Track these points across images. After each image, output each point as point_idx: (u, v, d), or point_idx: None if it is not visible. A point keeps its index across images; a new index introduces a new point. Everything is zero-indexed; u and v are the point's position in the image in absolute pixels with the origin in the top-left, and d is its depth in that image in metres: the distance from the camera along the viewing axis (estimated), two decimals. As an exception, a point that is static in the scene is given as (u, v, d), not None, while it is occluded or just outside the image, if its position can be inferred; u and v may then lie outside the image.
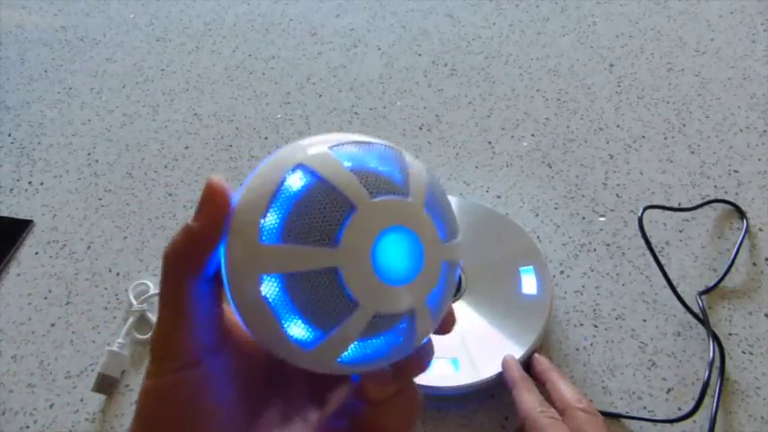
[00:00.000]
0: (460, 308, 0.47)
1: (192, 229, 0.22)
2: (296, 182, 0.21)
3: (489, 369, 0.43)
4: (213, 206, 0.22)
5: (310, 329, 0.21)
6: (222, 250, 0.22)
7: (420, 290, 0.22)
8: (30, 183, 0.62)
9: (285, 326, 0.21)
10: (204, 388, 0.23)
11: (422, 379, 0.44)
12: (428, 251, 0.22)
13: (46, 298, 0.53)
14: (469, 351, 0.44)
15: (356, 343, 0.22)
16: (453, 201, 0.53)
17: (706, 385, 0.43)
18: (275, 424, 0.25)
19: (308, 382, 0.27)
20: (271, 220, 0.21)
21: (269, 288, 0.21)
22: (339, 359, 0.22)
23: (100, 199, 0.60)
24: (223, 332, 0.24)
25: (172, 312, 0.23)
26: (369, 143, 0.23)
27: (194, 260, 0.22)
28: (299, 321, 0.21)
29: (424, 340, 0.24)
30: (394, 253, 0.21)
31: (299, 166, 0.21)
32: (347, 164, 0.21)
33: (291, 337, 0.22)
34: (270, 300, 0.21)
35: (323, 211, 0.21)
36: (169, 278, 0.23)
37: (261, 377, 0.26)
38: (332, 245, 0.20)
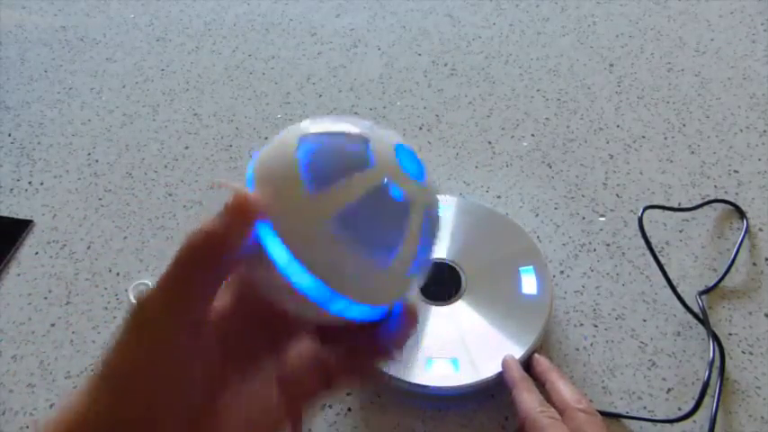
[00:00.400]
0: (461, 308, 0.47)
1: (216, 231, 0.23)
2: (310, 143, 0.25)
3: (489, 369, 0.43)
4: (239, 215, 0.23)
5: (383, 249, 0.24)
6: (264, 228, 0.24)
7: (431, 188, 0.26)
8: (30, 183, 0.62)
9: (365, 253, 0.24)
10: (181, 355, 0.24)
11: (422, 379, 0.44)
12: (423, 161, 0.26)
13: (46, 298, 0.53)
14: (469, 351, 0.44)
15: (419, 249, 0.25)
16: (453, 200, 0.53)
17: (706, 385, 0.43)
18: (237, 383, 0.26)
19: (272, 340, 0.28)
20: (308, 174, 0.23)
21: (337, 226, 0.23)
22: (411, 269, 0.25)
23: (100, 199, 0.60)
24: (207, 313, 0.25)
25: (174, 297, 0.24)
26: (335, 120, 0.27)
27: (213, 261, 0.24)
28: (371, 244, 0.24)
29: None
30: (409, 158, 0.25)
31: (304, 137, 0.25)
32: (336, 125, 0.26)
33: (372, 258, 0.24)
34: (343, 236, 0.23)
35: (349, 148, 0.24)
36: (182, 271, 0.24)
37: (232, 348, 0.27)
38: (370, 166, 0.24)
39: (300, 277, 0.23)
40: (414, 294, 0.27)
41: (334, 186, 0.23)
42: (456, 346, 0.44)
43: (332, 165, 0.24)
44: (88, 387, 0.25)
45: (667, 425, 0.43)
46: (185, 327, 0.24)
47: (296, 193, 0.23)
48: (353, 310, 0.25)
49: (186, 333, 0.24)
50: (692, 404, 0.43)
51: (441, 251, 0.50)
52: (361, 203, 0.23)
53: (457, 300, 0.47)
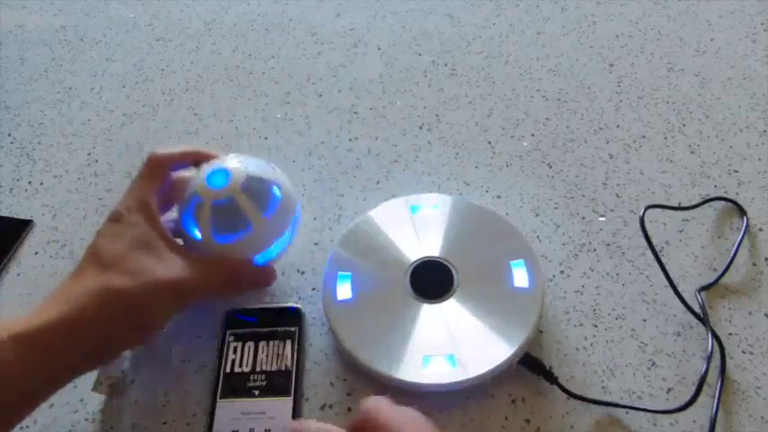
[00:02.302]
0: (453, 305, 0.47)
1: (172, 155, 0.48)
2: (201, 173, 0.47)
3: (487, 363, 0.43)
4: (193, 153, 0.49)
5: (198, 229, 0.46)
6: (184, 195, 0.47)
7: (233, 187, 0.45)
8: (30, 183, 0.62)
9: (188, 232, 0.46)
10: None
11: (422, 378, 0.44)
12: (235, 173, 0.45)
13: (46, 298, 0.53)
14: (465, 347, 0.44)
15: (217, 231, 0.45)
16: (446, 199, 0.54)
17: (704, 378, 0.43)
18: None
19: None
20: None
21: (183, 218, 0.46)
22: (215, 240, 0.45)
23: (100, 199, 0.60)
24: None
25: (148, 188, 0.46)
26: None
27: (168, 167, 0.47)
28: (193, 227, 0.46)
29: (263, 238, 0.47)
30: (217, 176, 0.45)
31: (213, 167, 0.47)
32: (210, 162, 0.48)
33: (191, 236, 0.46)
34: (183, 223, 0.46)
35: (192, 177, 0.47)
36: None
37: None
38: (193, 186, 0.46)
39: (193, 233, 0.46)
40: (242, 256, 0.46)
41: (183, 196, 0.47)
42: (451, 343, 0.45)
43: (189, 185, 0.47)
44: (78, 276, 0.41)
45: (667, 425, 0.43)
46: (134, 212, 0.44)
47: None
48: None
49: (142, 218, 0.44)
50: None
51: (433, 249, 0.50)
52: (184, 204, 0.46)
53: (449, 297, 0.47)
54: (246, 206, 0.44)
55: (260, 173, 0.46)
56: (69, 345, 0.38)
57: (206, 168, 0.46)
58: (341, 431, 0.34)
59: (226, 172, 0.45)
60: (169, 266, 0.42)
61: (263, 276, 0.48)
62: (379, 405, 0.35)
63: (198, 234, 0.45)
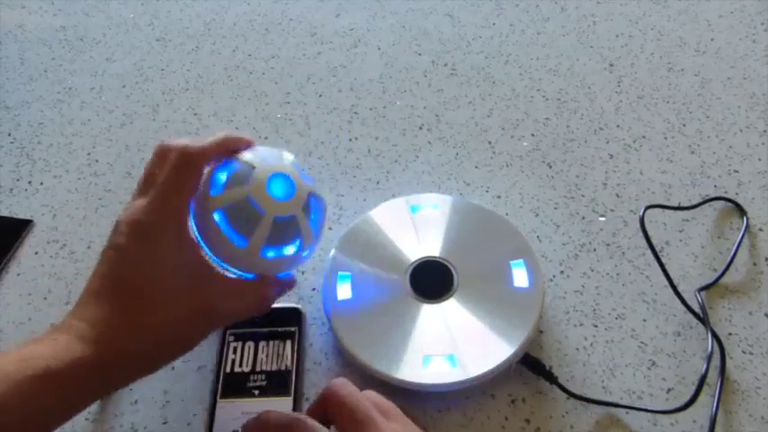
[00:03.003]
0: (453, 305, 0.47)
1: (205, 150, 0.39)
2: (230, 163, 0.41)
3: (487, 363, 0.43)
4: (228, 143, 0.41)
5: (242, 237, 0.39)
6: (193, 202, 0.39)
7: (296, 204, 0.40)
8: (30, 183, 0.62)
9: (229, 238, 0.39)
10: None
11: (422, 378, 0.44)
12: (298, 185, 0.41)
13: (46, 298, 0.53)
14: (465, 347, 0.44)
15: (268, 245, 0.40)
16: (446, 199, 0.54)
17: (704, 378, 0.43)
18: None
19: None
20: (213, 184, 0.40)
21: (218, 218, 0.39)
22: (260, 254, 0.40)
23: (100, 199, 0.60)
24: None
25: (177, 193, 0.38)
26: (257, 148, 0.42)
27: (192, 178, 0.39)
28: (235, 234, 0.39)
29: (304, 255, 0.43)
30: (278, 184, 0.40)
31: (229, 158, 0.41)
32: (247, 154, 0.41)
33: (233, 243, 0.39)
34: (220, 224, 0.39)
35: (240, 171, 0.40)
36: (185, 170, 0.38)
37: None
38: (246, 185, 0.39)
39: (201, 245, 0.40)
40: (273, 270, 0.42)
41: (221, 193, 0.39)
42: (451, 343, 0.45)
43: (228, 181, 0.39)
44: (87, 300, 0.36)
45: (667, 425, 0.43)
46: (172, 231, 0.37)
47: (205, 192, 0.40)
48: (228, 269, 0.41)
49: (176, 236, 0.37)
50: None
51: (433, 249, 0.50)
52: (232, 205, 0.39)
53: (449, 297, 0.47)
54: (304, 225, 0.41)
55: (314, 186, 0.43)
56: (100, 384, 0.35)
57: (259, 167, 0.40)
58: (300, 416, 0.33)
59: (289, 181, 0.40)
60: (209, 296, 0.38)
61: (288, 288, 0.45)
62: (340, 383, 0.35)
63: (242, 242, 0.39)
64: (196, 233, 0.40)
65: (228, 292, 0.39)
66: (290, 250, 0.41)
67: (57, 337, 0.34)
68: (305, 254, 0.43)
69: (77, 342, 0.34)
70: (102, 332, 0.34)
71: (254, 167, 0.39)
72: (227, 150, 0.41)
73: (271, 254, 0.40)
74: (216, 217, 0.39)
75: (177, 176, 0.37)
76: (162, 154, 0.39)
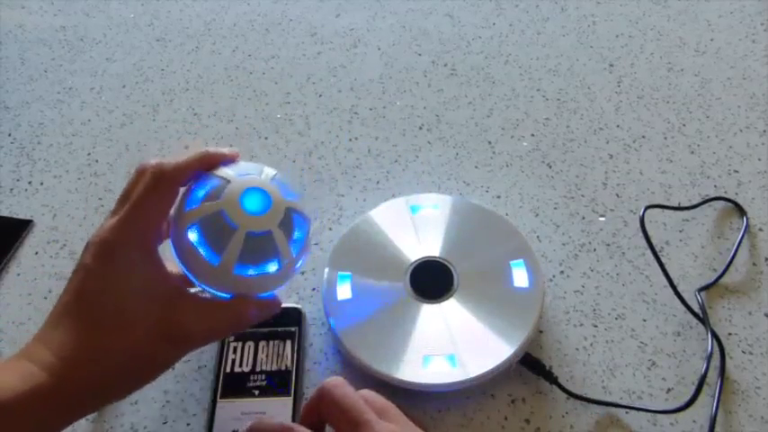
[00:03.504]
0: (453, 305, 0.47)
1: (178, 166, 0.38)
2: (198, 184, 0.39)
3: (487, 363, 0.43)
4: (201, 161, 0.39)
5: (214, 254, 0.37)
6: (171, 221, 0.39)
7: (272, 219, 0.38)
8: (30, 183, 0.62)
9: (202, 254, 0.37)
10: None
11: (422, 378, 0.44)
12: (275, 200, 0.38)
13: (46, 298, 0.53)
14: (465, 347, 0.44)
15: (242, 263, 0.37)
16: (445, 199, 0.54)
17: (703, 378, 0.43)
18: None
19: None
20: (191, 201, 0.38)
21: (191, 233, 0.37)
22: (234, 271, 0.37)
23: (100, 199, 0.60)
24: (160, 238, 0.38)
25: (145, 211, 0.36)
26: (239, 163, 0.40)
27: (176, 182, 0.38)
28: (207, 249, 0.37)
29: (284, 275, 0.39)
30: (253, 198, 0.38)
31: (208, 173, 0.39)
32: (226, 169, 0.39)
33: (205, 260, 0.37)
34: (192, 240, 0.37)
35: (216, 186, 0.38)
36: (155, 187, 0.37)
37: None
38: (219, 199, 0.37)
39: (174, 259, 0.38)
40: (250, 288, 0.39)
41: (195, 207, 0.37)
42: (451, 343, 0.45)
43: (205, 195, 0.38)
44: (56, 317, 0.35)
45: (667, 425, 0.43)
46: (136, 250, 0.36)
47: (180, 209, 0.38)
48: (205, 289, 0.39)
49: (141, 256, 0.36)
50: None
51: (433, 249, 0.50)
52: (204, 220, 0.37)
53: (449, 297, 0.47)
54: (281, 242, 0.38)
55: (295, 202, 0.40)
56: (58, 415, 0.33)
57: (234, 181, 0.38)
58: (292, 425, 0.33)
59: (264, 195, 0.38)
60: (178, 316, 0.36)
61: (268, 310, 0.40)
62: (334, 383, 0.34)
63: (215, 259, 0.37)
64: (174, 252, 0.38)
65: (199, 313, 0.37)
66: (268, 268, 0.39)
67: (15, 365, 0.33)
68: (284, 273, 0.39)
69: (37, 370, 0.32)
70: (63, 358, 0.33)
71: (229, 182, 0.38)
72: (208, 166, 0.39)
73: (246, 272, 0.38)
74: (189, 233, 0.37)
75: (147, 195, 0.36)
76: (139, 172, 0.37)
